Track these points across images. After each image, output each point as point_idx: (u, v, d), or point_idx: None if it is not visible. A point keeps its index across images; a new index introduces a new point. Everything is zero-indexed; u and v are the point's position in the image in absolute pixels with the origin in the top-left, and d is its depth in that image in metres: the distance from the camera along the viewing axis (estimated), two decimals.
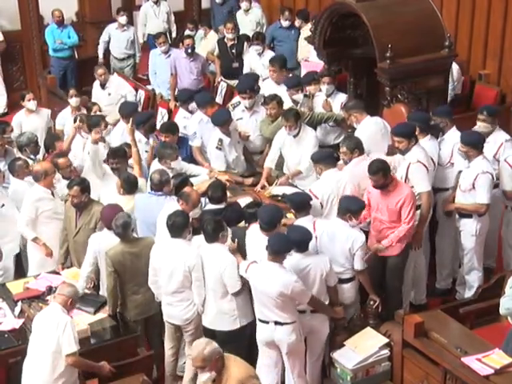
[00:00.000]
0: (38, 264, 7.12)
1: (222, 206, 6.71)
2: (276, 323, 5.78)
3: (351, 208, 6.23)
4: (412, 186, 6.74)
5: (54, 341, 5.40)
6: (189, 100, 8.87)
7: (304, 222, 6.23)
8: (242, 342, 6.09)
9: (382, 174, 6.45)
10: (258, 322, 5.93)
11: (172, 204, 6.53)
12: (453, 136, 7.18)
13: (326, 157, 6.96)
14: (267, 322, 5.83)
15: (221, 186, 6.89)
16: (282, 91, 8.64)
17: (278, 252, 5.71)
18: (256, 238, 6.10)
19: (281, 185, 7.58)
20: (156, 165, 7.47)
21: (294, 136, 7.67)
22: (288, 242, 5.77)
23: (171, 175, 7.14)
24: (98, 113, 8.81)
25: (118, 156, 7.43)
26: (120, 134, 8.31)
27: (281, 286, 5.63)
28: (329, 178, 6.81)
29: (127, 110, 8.50)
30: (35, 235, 7.03)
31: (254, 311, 6.02)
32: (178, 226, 6.03)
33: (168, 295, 6.15)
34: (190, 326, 6.20)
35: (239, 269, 5.94)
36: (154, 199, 6.81)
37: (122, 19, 11.91)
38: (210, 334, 6.08)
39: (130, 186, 7.06)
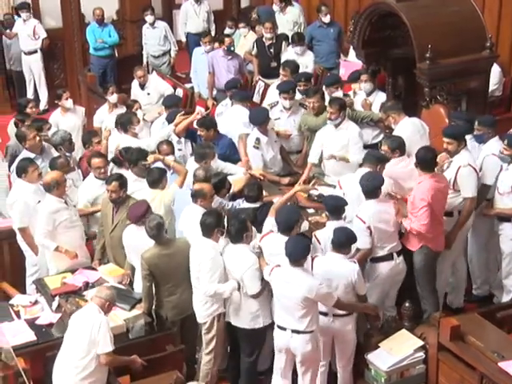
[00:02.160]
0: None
1: (257, 204, 6.74)
2: (293, 331, 5.76)
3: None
4: (458, 190, 6.71)
5: (87, 340, 5.46)
6: (234, 88, 8.98)
7: (334, 225, 6.22)
8: (261, 342, 6.19)
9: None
10: (276, 327, 5.92)
11: (192, 206, 6.56)
12: (490, 147, 7.02)
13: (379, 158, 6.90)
14: (285, 329, 5.81)
15: (257, 185, 6.92)
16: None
17: (296, 259, 5.68)
18: (272, 245, 6.08)
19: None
20: (192, 163, 7.51)
21: (336, 126, 7.66)
22: (305, 247, 5.74)
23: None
24: (139, 110, 8.86)
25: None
26: (159, 127, 8.44)
27: (305, 290, 5.60)
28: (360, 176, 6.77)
29: (170, 102, 8.82)
30: (56, 244, 6.92)
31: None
32: (208, 226, 6.09)
33: (194, 290, 6.24)
34: (205, 325, 6.24)
35: (263, 272, 5.95)
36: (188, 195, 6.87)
37: (149, 18, 12.08)
38: (231, 329, 6.23)
39: (151, 181, 7.07)
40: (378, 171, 6.67)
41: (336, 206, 6.32)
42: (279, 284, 5.76)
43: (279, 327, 5.86)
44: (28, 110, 9.03)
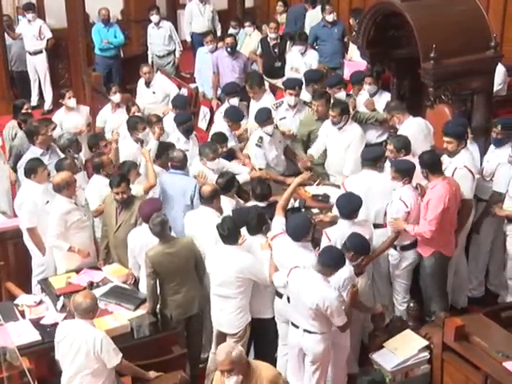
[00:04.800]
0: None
1: (264, 204, 6.73)
2: (305, 330, 5.74)
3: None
4: None
5: (91, 357, 5.42)
6: (233, 93, 8.92)
7: (346, 224, 6.23)
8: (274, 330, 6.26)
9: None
10: (290, 324, 5.92)
11: (203, 210, 6.57)
12: (506, 153, 6.97)
13: (371, 157, 6.90)
14: (297, 327, 5.80)
15: (268, 184, 6.93)
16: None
17: (327, 266, 5.60)
18: (283, 248, 6.06)
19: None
20: (197, 163, 7.52)
21: (339, 129, 7.70)
22: (341, 259, 5.65)
23: (213, 174, 7.23)
24: (137, 113, 8.83)
25: None
26: (171, 122, 8.42)
27: (318, 298, 5.54)
28: (366, 177, 6.78)
29: (180, 102, 8.89)
30: (69, 245, 6.92)
31: None
32: (234, 233, 6.07)
33: (219, 300, 6.19)
34: (237, 334, 6.21)
35: (275, 278, 5.94)
36: (177, 178, 7.10)
37: (154, 18, 12.11)
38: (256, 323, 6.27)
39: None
40: (379, 169, 6.77)
41: (348, 210, 6.25)
42: (296, 285, 5.69)
43: (292, 324, 5.85)
44: (23, 112, 9.00)
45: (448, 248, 6.59)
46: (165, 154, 7.65)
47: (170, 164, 7.37)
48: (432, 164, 6.49)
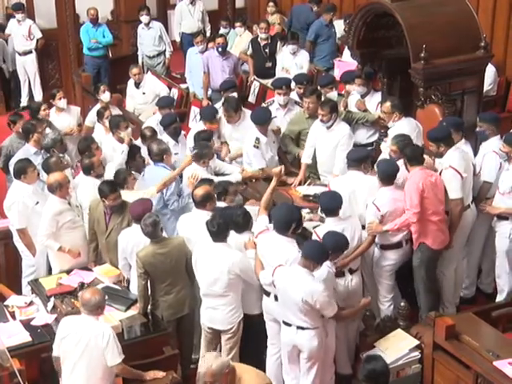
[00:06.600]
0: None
1: (223, 204, 6.69)
2: (298, 327, 5.74)
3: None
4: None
5: (100, 353, 5.41)
6: (231, 88, 9.02)
7: (332, 222, 6.22)
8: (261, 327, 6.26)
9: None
10: (282, 323, 5.91)
11: (196, 212, 6.56)
12: (491, 145, 7.03)
13: (356, 158, 6.89)
14: (290, 325, 5.80)
15: (223, 184, 6.87)
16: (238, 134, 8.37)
17: (310, 258, 5.60)
18: (267, 244, 6.06)
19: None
20: (193, 165, 7.48)
21: (328, 128, 7.68)
22: (323, 252, 5.65)
23: (206, 174, 7.26)
24: (108, 119, 8.77)
25: None
26: (155, 124, 8.44)
27: (306, 293, 5.55)
28: (351, 178, 6.78)
29: (164, 103, 8.87)
30: (59, 245, 6.91)
31: None
32: (223, 230, 6.04)
33: (211, 298, 6.17)
34: (230, 330, 6.19)
35: (261, 275, 5.94)
36: (160, 170, 7.25)
37: (144, 18, 12.09)
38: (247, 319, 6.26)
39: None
40: (365, 170, 6.75)
41: (330, 207, 6.26)
42: (283, 283, 5.71)
43: (284, 323, 5.85)
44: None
45: (432, 239, 6.54)
46: (136, 158, 7.73)
47: (152, 158, 7.51)
48: (411, 156, 6.57)
